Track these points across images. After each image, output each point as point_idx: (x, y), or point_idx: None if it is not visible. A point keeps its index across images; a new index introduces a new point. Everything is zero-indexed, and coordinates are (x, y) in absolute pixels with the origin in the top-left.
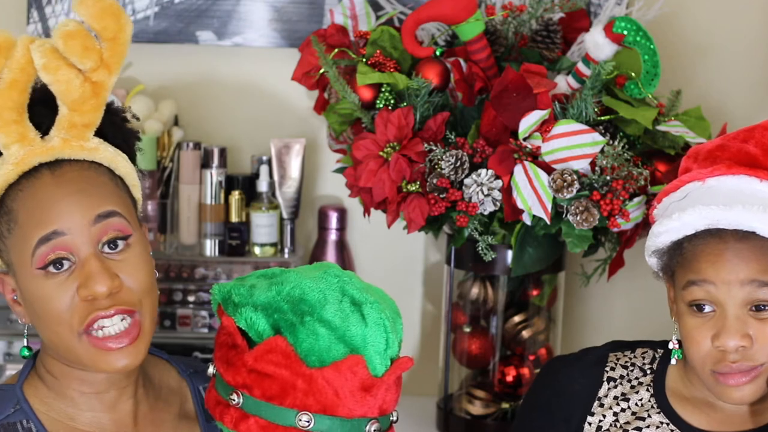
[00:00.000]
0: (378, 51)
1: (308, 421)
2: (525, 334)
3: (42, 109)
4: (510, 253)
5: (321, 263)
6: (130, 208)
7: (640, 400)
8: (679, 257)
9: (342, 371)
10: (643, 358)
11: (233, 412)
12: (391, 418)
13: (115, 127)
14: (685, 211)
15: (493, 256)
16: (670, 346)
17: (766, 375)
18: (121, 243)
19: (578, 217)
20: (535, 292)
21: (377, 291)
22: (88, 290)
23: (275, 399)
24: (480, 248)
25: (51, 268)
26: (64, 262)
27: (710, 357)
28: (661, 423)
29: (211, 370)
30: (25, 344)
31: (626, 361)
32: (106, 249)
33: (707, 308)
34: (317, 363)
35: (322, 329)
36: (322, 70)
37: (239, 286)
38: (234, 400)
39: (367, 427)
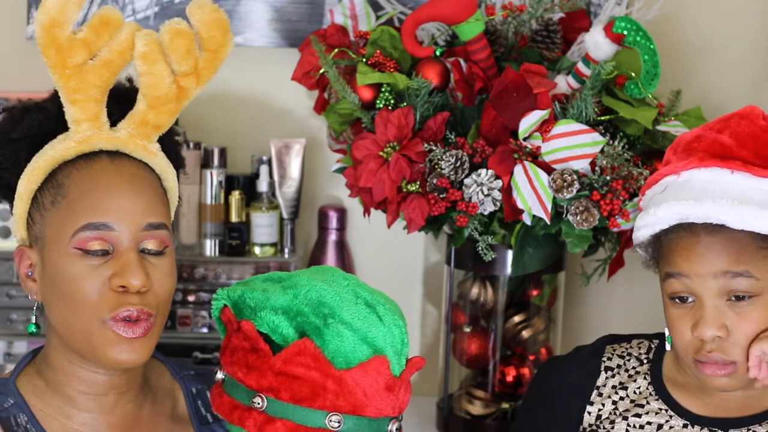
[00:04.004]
0: (378, 51)
1: (338, 422)
2: (525, 334)
3: (113, 102)
4: (510, 253)
5: (322, 266)
6: (170, 221)
7: (638, 388)
8: (659, 250)
9: (369, 372)
10: (639, 348)
11: (257, 415)
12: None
13: (171, 145)
14: (659, 206)
15: (493, 256)
16: (666, 332)
17: (744, 372)
18: (158, 253)
19: (578, 217)
20: (535, 292)
21: (382, 294)
22: (123, 280)
23: (305, 401)
24: (480, 248)
25: (89, 252)
26: (102, 252)
27: (691, 346)
28: (660, 409)
29: (219, 375)
30: (33, 321)
31: (622, 351)
32: (144, 251)
33: (686, 299)
34: (344, 364)
35: (346, 331)
36: (322, 70)
37: (251, 290)
38: (257, 403)
39: (389, 426)
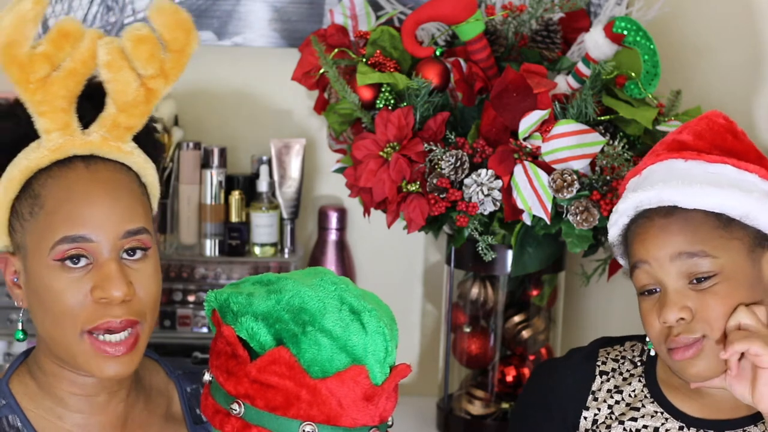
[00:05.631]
0: (378, 51)
1: None
2: (525, 334)
3: (85, 103)
4: (510, 253)
5: (315, 268)
6: (151, 220)
7: (633, 391)
8: (626, 249)
9: (345, 381)
10: (633, 350)
11: (234, 421)
12: (388, 422)
13: (148, 134)
14: (619, 203)
15: (493, 256)
16: (647, 336)
17: (716, 350)
18: (139, 252)
19: (578, 217)
20: (535, 292)
21: (373, 297)
22: (105, 293)
23: (279, 410)
24: (480, 248)
25: (68, 262)
26: (82, 258)
27: (662, 335)
28: (656, 412)
29: (207, 377)
30: (20, 328)
31: (616, 355)
32: (125, 255)
33: (654, 291)
34: (320, 373)
35: (324, 339)
36: (322, 70)
37: (236, 293)
38: (235, 409)
39: None
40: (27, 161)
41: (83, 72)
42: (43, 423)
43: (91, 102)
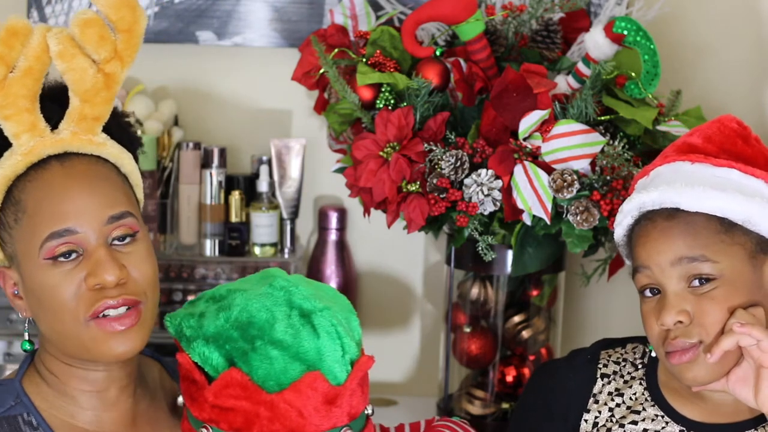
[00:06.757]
0: (378, 51)
1: None
2: (525, 334)
3: (52, 105)
4: (510, 253)
5: (266, 271)
6: (136, 206)
7: (634, 394)
8: (631, 250)
9: (302, 391)
10: (634, 353)
11: None
12: (366, 412)
13: (122, 129)
14: (625, 203)
15: (493, 256)
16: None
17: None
18: (128, 238)
19: (578, 217)
20: (535, 292)
21: (327, 292)
22: (97, 278)
23: (242, 430)
24: (480, 248)
25: (59, 258)
26: (72, 253)
27: (660, 338)
28: (656, 416)
29: (180, 400)
30: (26, 338)
31: (618, 357)
32: (115, 242)
33: (655, 291)
34: (276, 387)
35: (275, 351)
36: (322, 70)
37: (189, 316)
38: None
39: None
40: (2, 170)
41: (39, 68)
42: (57, 421)
43: (55, 103)
